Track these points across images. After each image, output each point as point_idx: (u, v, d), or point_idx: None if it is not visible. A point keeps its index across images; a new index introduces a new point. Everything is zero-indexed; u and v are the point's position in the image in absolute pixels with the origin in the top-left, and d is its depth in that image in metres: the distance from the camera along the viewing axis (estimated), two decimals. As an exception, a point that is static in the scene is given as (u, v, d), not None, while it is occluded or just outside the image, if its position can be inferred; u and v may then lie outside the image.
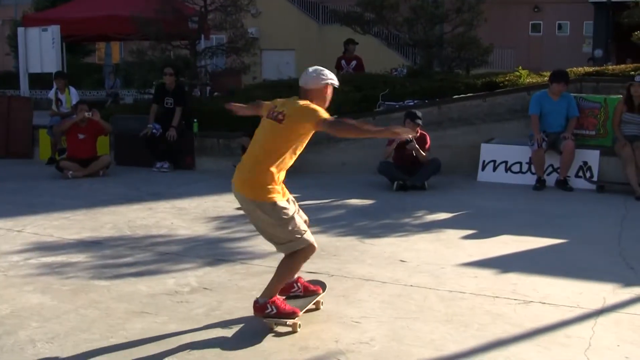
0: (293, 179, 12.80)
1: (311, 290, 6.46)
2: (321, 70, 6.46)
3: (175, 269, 7.68)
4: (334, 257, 8.00)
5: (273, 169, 6.15)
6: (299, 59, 32.90)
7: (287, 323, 5.91)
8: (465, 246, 8.58)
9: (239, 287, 7.02)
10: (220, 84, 18.97)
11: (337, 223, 9.72)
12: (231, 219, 10.05)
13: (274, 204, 6.03)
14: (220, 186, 12.63)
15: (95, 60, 38.42)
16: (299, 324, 5.93)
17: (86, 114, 13.92)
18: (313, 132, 6.30)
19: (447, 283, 7.00)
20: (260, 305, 5.94)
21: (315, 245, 6.11)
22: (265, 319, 5.96)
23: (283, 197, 6.21)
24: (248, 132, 13.18)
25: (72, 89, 16.35)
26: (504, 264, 7.75)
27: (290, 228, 6.01)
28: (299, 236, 6.02)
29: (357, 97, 14.44)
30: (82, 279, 7.37)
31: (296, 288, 6.43)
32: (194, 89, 17.45)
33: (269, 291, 6.01)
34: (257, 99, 6.94)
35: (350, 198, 11.38)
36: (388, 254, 8.11)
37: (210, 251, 8.31)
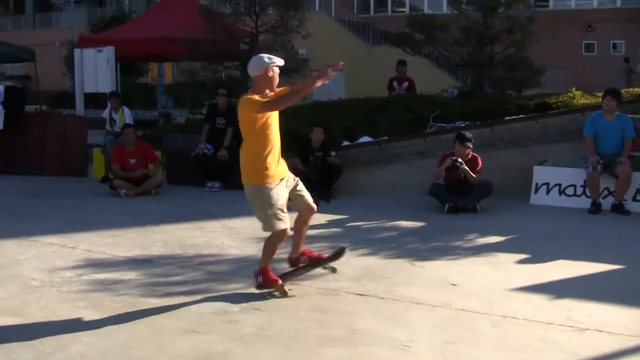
0: (343, 199, 12.86)
1: (315, 259, 7.91)
2: (261, 56, 7.30)
3: (225, 288, 7.70)
4: (383, 279, 7.95)
5: (254, 157, 7.37)
6: (349, 80, 32.90)
7: (274, 292, 7.39)
8: (518, 270, 8.48)
9: (288, 308, 7.01)
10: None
11: (387, 245, 9.66)
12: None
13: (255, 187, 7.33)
14: (270, 206, 12.65)
15: (149, 81, 38.75)
16: (286, 290, 7.42)
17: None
18: (265, 116, 7.23)
19: (499, 308, 6.92)
20: (255, 274, 7.46)
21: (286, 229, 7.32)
22: (258, 288, 7.41)
23: (272, 181, 7.29)
24: (299, 153, 13.27)
25: (126, 109, 16.52)
26: (557, 289, 7.61)
27: (268, 212, 7.24)
28: (275, 221, 7.27)
29: (408, 118, 14.41)
30: (133, 296, 7.42)
31: (302, 260, 7.84)
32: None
33: (260, 264, 7.48)
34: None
35: (401, 220, 11.31)
36: (438, 277, 8.05)
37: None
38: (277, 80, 7.34)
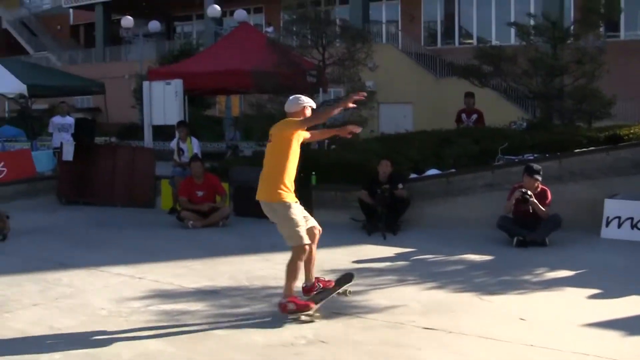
0: (410, 232, 12.80)
1: (327, 285, 8.28)
2: (299, 97, 8.36)
3: (291, 320, 7.69)
4: (451, 313, 7.88)
5: (283, 177, 8.03)
6: (417, 112, 32.83)
7: (301, 317, 7.72)
8: (589, 305, 8.34)
9: (354, 341, 6.98)
10: (338, 137, 19.06)
11: (454, 278, 9.58)
12: (347, 272, 10.01)
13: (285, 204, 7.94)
14: (337, 239, 12.61)
15: (216, 113, 39.03)
16: (315, 313, 7.79)
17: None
18: (300, 137, 8.16)
19: (570, 344, 6.80)
20: (283, 304, 7.70)
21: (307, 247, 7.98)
22: (289, 314, 7.68)
23: (296, 199, 8.06)
24: (366, 186, 13.25)
25: (194, 139, 16.67)
26: (631, 326, 7.44)
27: (296, 228, 7.94)
28: (302, 235, 7.97)
29: (476, 151, 14.32)
30: (200, 327, 7.47)
31: (317, 287, 8.23)
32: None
33: (285, 292, 7.79)
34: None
35: (468, 253, 11.21)
36: (507, 312, 7.95)
37: (326, 304, 8.28)
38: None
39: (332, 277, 9.27)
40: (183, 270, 10.23)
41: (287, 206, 7.97)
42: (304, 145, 8.34)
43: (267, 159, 8.26)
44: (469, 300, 8.49)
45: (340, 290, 8.24)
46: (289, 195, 8.02)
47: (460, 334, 7.11)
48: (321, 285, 8.27)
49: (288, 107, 8.31)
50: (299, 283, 8.07)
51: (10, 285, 9.48)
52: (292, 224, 7.95)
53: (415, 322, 7.48)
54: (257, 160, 17.00)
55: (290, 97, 8.39)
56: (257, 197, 8.21)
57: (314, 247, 8.27)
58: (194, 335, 7.20)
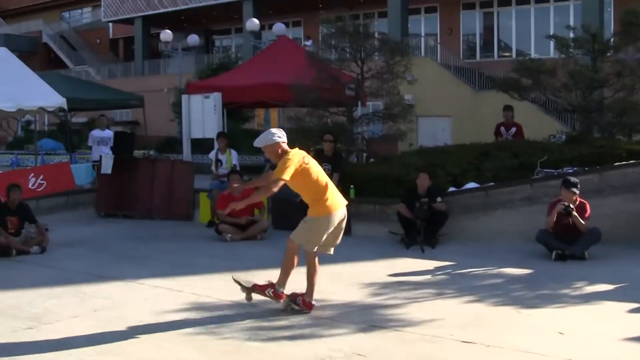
0: (449, 245, 12.75)
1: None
2: (273, 132, 8.69)
3: (328, 333, 7.70)
4: (489, 326, 7.84)
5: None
6: (455, 125, 32.74)
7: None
8: (629, 320, 8.25)
9: (391, 355, 6.96)
10: (376, 150, 19.05)
11: (492, 292, 9.52)
12: (385, 285, 10.01)
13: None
14: (375, 252, 12.63)
15: (255, 126, 39.10)
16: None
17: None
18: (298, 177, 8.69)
19: (609, 358, 6.74)
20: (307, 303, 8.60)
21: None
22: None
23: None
24: (405, 199, 13.23)
25: (233, 151, 16.76)
26: (672, 340, 7.35)
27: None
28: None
29: (515, 164, 14.24)
30: (237, 340, 7.49)
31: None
32: (351, 155, 17.58)
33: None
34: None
35: (507, 266, 11.14)
36: (545, 326, 7.89)
37: (364, 317, 8.28)
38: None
39: (368, 290, 9.32)
40: (221, 282, 10.25)
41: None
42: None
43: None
44: (507, 313, 8.44)
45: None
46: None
47: (498, 348, 7.07)
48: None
49: (261, 143, 8.66)
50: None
51: (50, 297, 9.56)
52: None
53: (453, 335, 7.45)
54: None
55: (264, 132, 8.80)
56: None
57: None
58: (231, 348, 7.22)
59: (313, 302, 8.63)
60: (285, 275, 8.75)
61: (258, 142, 8.63)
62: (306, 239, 8.70)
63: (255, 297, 9.21)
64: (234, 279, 8.81)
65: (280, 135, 8.64)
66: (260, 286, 8.71)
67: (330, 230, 8.65)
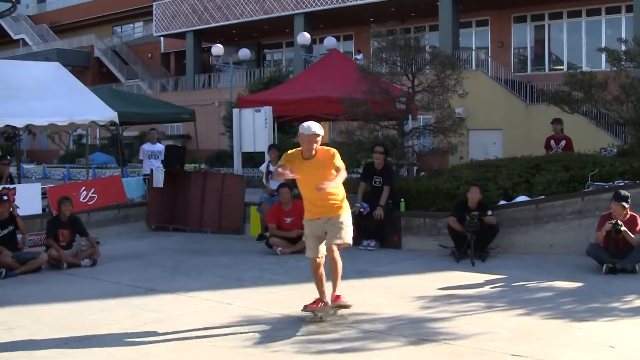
0: (499, 259, 12.70)
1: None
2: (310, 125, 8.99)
3: (379, 347, 7.71)
4: (540, 340, 7.80)
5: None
6: (506, 138, 32.60)
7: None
8: (681, 334, 8.18)
9: (442, 368, 6.96)
10: (427, 164, 19.02)
11: (543, 305, 9.47)
12: (435, 298, 9.99)
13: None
14: (425, 265, 12.62)
15: (305, 140, 39.22)
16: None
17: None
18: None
19: (661, 372, 6.70)
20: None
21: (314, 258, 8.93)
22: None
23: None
24: (455, 212, 13.21)
25: (285, 164, 16.80)
26: None
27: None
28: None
29: (566, 178, 14.14)
30: (287, 353, 7.54)
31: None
32: (401, 168, 17.58)
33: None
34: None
35: (557, 280, 11.06)
36: (596, 339, 7.83)
37: (414, 330, 8.28)
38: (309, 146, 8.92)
39: (418, 304, 9.35)
40: (271, 296, 10.32)
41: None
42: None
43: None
44: (558, 327, 8.38)
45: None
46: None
47: (549, 362, 7.04)
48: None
49: (318, 129, 9.00)
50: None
51: (100, 309, 9.70)
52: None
53: (503, 349, 7.43)
54: (346, 187, 17.07)
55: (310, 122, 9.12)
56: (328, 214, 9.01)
57: (331, 261, 9.01)
58: None
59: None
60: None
61: (316, 128, 8.94)
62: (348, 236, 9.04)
63: (300, 309, 9.27)
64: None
65: (302, 129, 9.07)
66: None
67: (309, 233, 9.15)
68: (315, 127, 8.85)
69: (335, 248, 8.79)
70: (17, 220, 13.18)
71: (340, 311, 9.15)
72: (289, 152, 9.09)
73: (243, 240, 16.32)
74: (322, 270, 8.95)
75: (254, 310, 9.44)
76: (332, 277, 8.95)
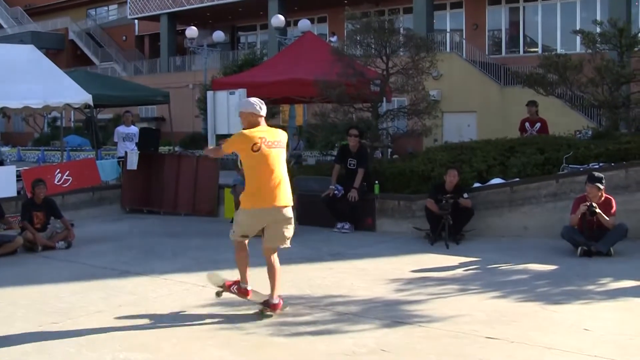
0: (474, 241, 12.71)
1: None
2: (249, 100, 8.59)
3: (353, 329, 7.69)
4: (514, 323, 7.80)
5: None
6: (481, 121, 32.68)
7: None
8: (655, 316, 8.20)
9: (416, 350, 6.94)
10: (401, 146, 19.01)
11: (517, 288, 9.47)
12: (410, 281, 9.99)
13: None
14: (400, 248, 12.61)
15: (280, 122, 39.25)
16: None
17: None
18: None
19: (636, 355, 6.70)
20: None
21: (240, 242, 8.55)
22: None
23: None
24: (432, 194, 13.19)
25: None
26: (697, 336, 7.29)
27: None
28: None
29: (540, 160, 14.16)
30: (261, 336, 7.50)
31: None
32: (375, 150, 17.55)
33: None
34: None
35: (532, 262, 11.07)
36: (571, 322, 7.84)
37: (388, 313, 8.27)
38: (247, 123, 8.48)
39: (393, 286, 9.34)
40: (246, 278, 10.28)
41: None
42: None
43: (278, 163, 8.31)
44: (532, 310, 8.39)
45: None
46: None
47: (523, 344, 7.02)
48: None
49: (239, 107, 8.81)
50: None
51: (75, 292, 9.65)
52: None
53: (478, 331, 7.42)
54: (320, 169, 17.10)
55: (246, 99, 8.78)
56: (279, 203, 8.37)
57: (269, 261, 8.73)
58: (256, 343, 7.24)
59: (247, 287, 8.70)
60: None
61: (239, 106, 8.65)
62: (232, 229, 8.62)
63: (280, 292, 9.23)
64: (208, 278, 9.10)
65: (255, 107, 8.44)
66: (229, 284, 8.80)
67: (254, 224, 8.53)
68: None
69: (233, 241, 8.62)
70: None
71: (315, 293, 9.14)
72: (246, 132, 8.38)
73: (217, 222, 16.28)
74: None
75: (229, 292, 9.39)
76: (272, 279, 8.54)
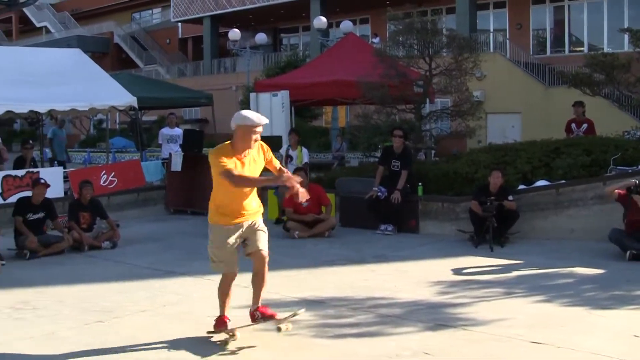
0: (518, 244, 12.56)
1: (268, 316, 7.74)
2: (239, 113, 7.43)
3: (396, 332, 7.64)
4: (560, 327, 7.68)
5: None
6: (525, 122, 32.40)
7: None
8: None
9: (460, 354, 6.87)
10: (444, 148, 18.90)
11: (563, 292, 9.34)
12: (453, 284, 9.90)
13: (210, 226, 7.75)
14: (443, 250, 12.52)
15: (322, 124, 39.26)
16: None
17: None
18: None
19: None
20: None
21: (230, 272, 7.76)
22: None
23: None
24: (476, 196, 13.06)
25: (304, 149, 16.86)
26: None
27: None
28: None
29: (587, 161, 13.97)
30: (304, 337, 7.49)
31: (256, 315, 7.81)
32: (419, 152, 17.45)
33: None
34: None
35: (578, 266, 10.91)
36: (619, 328, 7.70)
37: (432, 315, 8.20)
38: (253, 142, 7.46)
39: (436, 289, 9.26)
40: (288, 279, 10.27)
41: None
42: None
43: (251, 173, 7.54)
44: (578, 314, 8.27)
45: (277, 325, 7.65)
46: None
47: (569, 349, 6.91)
48: (259, 314, 7.81)
49: (232, 121, 7.44)
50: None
51: (120, 291, 9.73)
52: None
53: (522, 335, 7.32)
54: (362, 171, 17.04)
55: (241, 112, 7.54)
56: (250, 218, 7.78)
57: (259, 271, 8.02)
58: (297, 344, 7.22)
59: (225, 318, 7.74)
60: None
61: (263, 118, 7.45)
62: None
63: (322, 293, 9.19)
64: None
65: (247, 120, 7.34)
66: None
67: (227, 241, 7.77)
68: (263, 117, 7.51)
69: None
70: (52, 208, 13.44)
71: (358, 295, 9.08)
72: (220, 149, 7.59)
73: (261, 224, 16.22)
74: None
75: (271, 293, 9.34)
76: (260, 288, 7.92)
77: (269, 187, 15.94)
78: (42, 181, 13.55)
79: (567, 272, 10.59)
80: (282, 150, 17.02)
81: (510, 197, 12.97)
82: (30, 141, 19.22)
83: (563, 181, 13.67)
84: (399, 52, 17.88)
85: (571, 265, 10.94)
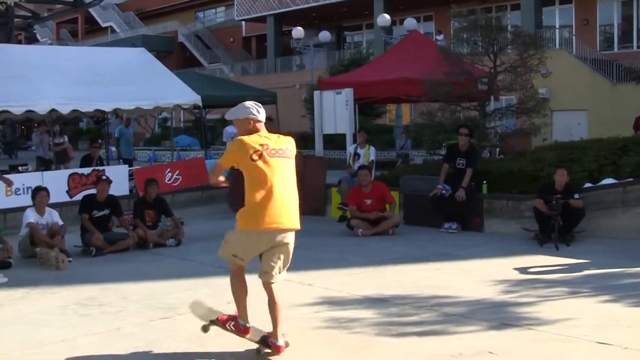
0: (584, 243, 12.40)
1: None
2: (243, 104, 7.20)
3: (460, 330, 7.59)
4: (627, 328, 7.57)
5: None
6: (592, 119, 32.02)
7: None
8: None
9: (525, 353, 6.81)
10: (509, 145, 18.76)
11: (631, 292, 9.19)
12: (518, 283, 9.81)
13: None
14: (508, 249, 12.42)
15: (386, 122, 39.17)
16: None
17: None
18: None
19: None
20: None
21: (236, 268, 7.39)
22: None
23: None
24: (542, 194, 12.93)
25: (372, 147, 16.85)
26: None
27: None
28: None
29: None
30: (367, 335, 7.47)
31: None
32: (484, 150, 17.35)
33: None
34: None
35: (647, 265, 10.78)
36: (690, 329, 7.58)
37: (496, 314, 8.14)
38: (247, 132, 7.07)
39: (500, 288, 9.20)
40: (352, 277, 10.27)
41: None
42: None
43: (288, 176, 7.20)
44: (646, 314, 8.16)
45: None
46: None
47: (636, 350, 6.80)
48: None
49: (232, 115, 7.26)
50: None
51: (184, 288, 9.82)
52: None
53: (588, 336, 7.23)
54: (427, 169, 16.99)
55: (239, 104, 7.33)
56: (289, 225, 7.09)
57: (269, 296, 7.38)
58: (361, 343, 7.20)
59: (247, 325, 7.29)
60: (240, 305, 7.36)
61: (230, 115, 7.27)
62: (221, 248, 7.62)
63: (386, 291, 9.18)
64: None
65: (252, 111, 7.13)
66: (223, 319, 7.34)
67: (251, 248, 7.35)
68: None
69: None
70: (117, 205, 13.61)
71: (422, 293, 9.06)
72: (244, 138, 7.07)
73: (324, 221, 16.27)
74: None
75: (334, 291, 9.41)
76: (272, 314, 7.23)
77: (338, 181, 16.02)
78: (104, 177, 13.74)
79: (634, 272, 10.42)
80: (350, 148, 17.05)
81: (576, 196, 12.81)
82: (99, 140, 19.52)
83: (631, 179, 13.48)
84: (464, 49, 17.82)
85: (638, 265, 10.78)
